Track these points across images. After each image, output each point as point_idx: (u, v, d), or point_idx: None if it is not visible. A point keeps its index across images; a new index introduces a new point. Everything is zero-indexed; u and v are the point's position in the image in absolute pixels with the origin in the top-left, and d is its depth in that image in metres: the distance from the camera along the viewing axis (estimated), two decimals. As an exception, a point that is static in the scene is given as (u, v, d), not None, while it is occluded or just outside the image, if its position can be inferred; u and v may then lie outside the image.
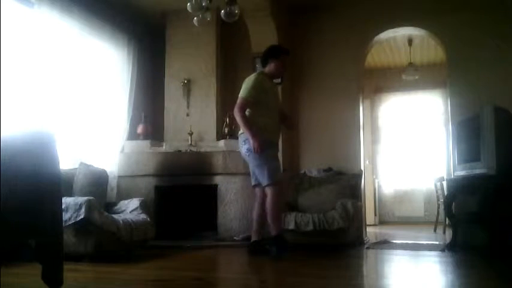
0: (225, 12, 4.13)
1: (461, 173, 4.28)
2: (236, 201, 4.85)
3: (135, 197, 4.37)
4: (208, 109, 5.34)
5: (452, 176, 4.66)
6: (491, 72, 4.82)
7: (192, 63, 5.43)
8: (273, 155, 3.80)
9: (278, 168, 3.83)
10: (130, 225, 3.75)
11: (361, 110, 5.45)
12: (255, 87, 3.76)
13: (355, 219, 4.36)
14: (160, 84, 5.54)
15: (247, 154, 3.75)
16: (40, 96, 4.09)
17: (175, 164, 5.04)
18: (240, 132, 3.87)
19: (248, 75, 3.97)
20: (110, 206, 4.14)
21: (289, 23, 5.54)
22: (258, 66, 5.27)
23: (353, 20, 5.35)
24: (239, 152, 4.07)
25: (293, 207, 4.62)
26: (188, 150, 5.09)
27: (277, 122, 3.91)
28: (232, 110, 3.89)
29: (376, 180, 8.08)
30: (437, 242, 4.95)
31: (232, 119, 5.33)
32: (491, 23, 4.87)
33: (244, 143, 3.75)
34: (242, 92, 3.78)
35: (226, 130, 5.26)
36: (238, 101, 3.76)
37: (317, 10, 5.45)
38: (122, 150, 5.18)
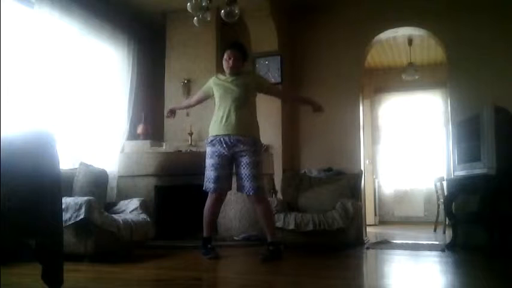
0: (225, 12, 4.13)
1: (461, 173, 4.28)
2: (236, 201, 4.85)
3: (135, 197, 4.37)
4: (208, 109, 5.32)
5: (452, 176, 4.66)
6: (491, 72, 4.82)
7: (192, 63, 5.44)
8: (210, 163, 3.69)
9: (209, 177, 3.68)
10: (130, 225, 3.75)
11: (361, 110, 5.45)
12: (201, 89, 4.01)
13: (355, 219, 4.36)
14: (160, 84, 5.54)
15: None
16: (40, 96, 4.09)
17: (175, 164, 5.04)
18: None
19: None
20: (110, 206, 4.14)
21: (289, 23, 5.54)
22: (258, 66, 5.31)
23: (353, 20, 5.35)
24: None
25: (293, 207, 4.62)
26: (188, 150, 5.09)
27: (228, 115, 3.66)
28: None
29: (376, 180, 8.08)
30: (437, 242, 4.95)
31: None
32: (491, 23, 4.87)
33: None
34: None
35: (226, 130, 5.25)
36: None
37: (317, 10, 5.45)
38: (122, 150, 5.18)
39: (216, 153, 3.66)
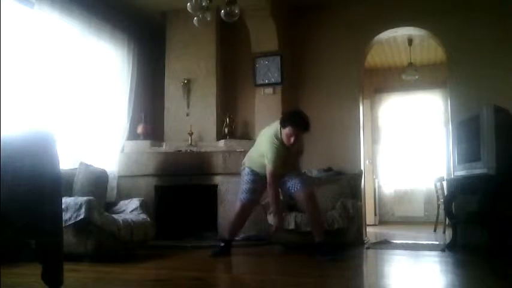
0: (225, 12, 4.12)
1: (461, 173, 4.28)
2: (236, 201, 4.84)
3: (135, 197, 4.37)
4: (208, 109, 5.34)
5: (452, 176, 4.66)
6: (491, 72, 4.82)
7: (192, 63, 5.43)
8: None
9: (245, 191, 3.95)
10: (130, 225, 3.75)
11: (361, 110, 5.45)
12: (278, 156, 3.71)
13: (355, 219, 4.36)
14: (160, 84, 5.54)
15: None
16: (40, 96, 4.09)
17: (175, 164, 5.04)
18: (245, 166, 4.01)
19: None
20: (110, 206, 4.14)
21: (289, 23, 5.54)
22: (257, 66, 5.29)
23: (353, 20, 5.35)
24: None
25: (293, 207, 4.61)
26: (188, 150, 5.09)
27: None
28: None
29: (376, 180, 8.07)
30: (437, 242, 4.95)
31: (232, 119, 5.35)
32: (491, 23, 4.87)
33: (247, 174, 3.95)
34: (270, 161, 3.71)
35: (226, 130, 5.26)
36: (270, 171, 3.72)
37: (317, 10, 5.45)
38: (122, 150, 5.19)
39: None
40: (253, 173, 3.92)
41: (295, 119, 3.65)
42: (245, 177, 3.95)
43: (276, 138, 3.70)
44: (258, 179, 3.90)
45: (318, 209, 3.85)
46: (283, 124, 3.66)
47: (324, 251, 3.62)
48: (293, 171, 3.88)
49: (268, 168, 3.71)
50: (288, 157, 3.79)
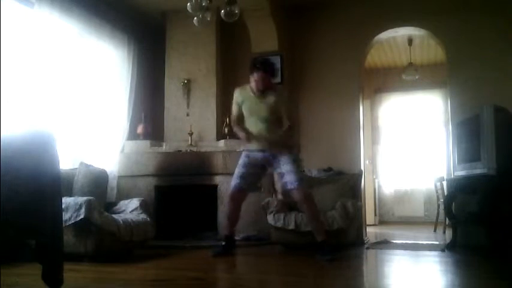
0: (225, 12, 4.13)
1: (461, 173, 4.28)
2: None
3: (135, 197, 4.37)
4: (208, 109, 5.34)
5: (452, 176, 4.66)
6: (491, 72, 4.82)
7: (192, 63, 5.44)
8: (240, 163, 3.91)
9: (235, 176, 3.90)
10: (130, 225, 3.75)
11: (361, 110, 5.45)
12: (233, 103, 3.91)
13: (355, 219, 4.36)
14: (161, 84, 5.54)
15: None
16: (40, 96, 4.09)
17: (175, 164, 5.04)
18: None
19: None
20: (110, 206, 4.13)
21: (289, 23, 5.54)
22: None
23: (353, 19, 5.35)
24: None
25: (293, 207, 4.61)
26: (188, 150, 5.09)
27: (259, 130, 3.81)
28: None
29: (376, 180, 8.08)
30: (437, 242, 4.95)
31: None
32: (491, 23, 4.87)
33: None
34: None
35: (226, 130, 5.26)
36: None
37: (317, 10, 5.45)
38: (122, 150, 5.19)
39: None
40: (246, 155, 3.88)
41: (257, 63, 3.78)
42: (239, 161, 3.93)
43: (239, 90, 3.89)
44: (248, 163, 3.85)
45: (316, 209, 3.84)
46: (250, 73, 3.79)
47: (324, 250, 3.62)
48: (284, 149, 3.76)
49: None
50: (260, 111, 3.77)
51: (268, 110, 3.78)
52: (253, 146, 3.82)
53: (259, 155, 3.82)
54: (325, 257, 3.53)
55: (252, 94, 3.83)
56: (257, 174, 3.93)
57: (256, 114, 3.80)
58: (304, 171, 5.09)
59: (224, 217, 4.07)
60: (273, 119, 3.82)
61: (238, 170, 3.87)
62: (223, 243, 3.95)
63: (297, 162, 3.82)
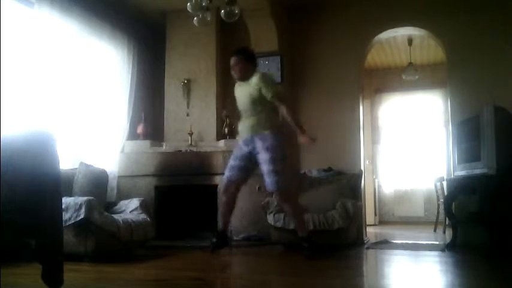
0: (225, 12, 4.13)
1: (461, 173, 4.28)
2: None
3: (135, 197, 4.37)
4: (208, 109, 5.34)
5: (452, 176, 4.66)
6: (491, 72, 4.82)
7: (192, 63, 5.44)
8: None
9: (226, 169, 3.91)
10: (130, 225, 3.75)
11: (361, 110, 5.45)
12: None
13: (355, 219, 4.36)
14: (160, 84, 5.54)
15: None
16: (40, 96, 4.09)
17: (175, 164, 5.04)
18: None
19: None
20: (110, 206, 4.14)
21: (289, 23, 5.54)
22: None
23: (353, 20, 5.35)
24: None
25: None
26: (188, 150, 5.09)
27: (247, 118, 3.83)
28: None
29: (376, 180, 8.08)
30: (437, 242, 4.95)
31: (232, 119, 5.35)
32: (491, 24, 4.87)
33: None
34: None
35: (226, 130, 5.26)
36: None
37: (317, 10, 5.45)
38: (122, 150, 5.18)
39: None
40: (239, 146, 3.89)
41: (234, 50, 3.85)
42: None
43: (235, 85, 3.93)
44: (238, 154, 3.84)
45: (297, 206, 3.86)
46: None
47: (304, 246, 3.71)
48: (271, 130, 3.71)
49: None
50: (244, 99, 3.79)
51: (248, 97, 3.76)
52: (241, 135, 3.88)
53: (244, 143, 3.82)
54: (304, 253, 3.63)
55: (238, 85, 3.90)
56: (246, 167, 3.84)
57: (242, 103, 3.85)
58: (305, 172, 5.10)
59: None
60: (260, 105, 3.73)
61: (229, 162, 3.91)
62: (214, 239, 3.94)
63: (283, 161, 3.72)
